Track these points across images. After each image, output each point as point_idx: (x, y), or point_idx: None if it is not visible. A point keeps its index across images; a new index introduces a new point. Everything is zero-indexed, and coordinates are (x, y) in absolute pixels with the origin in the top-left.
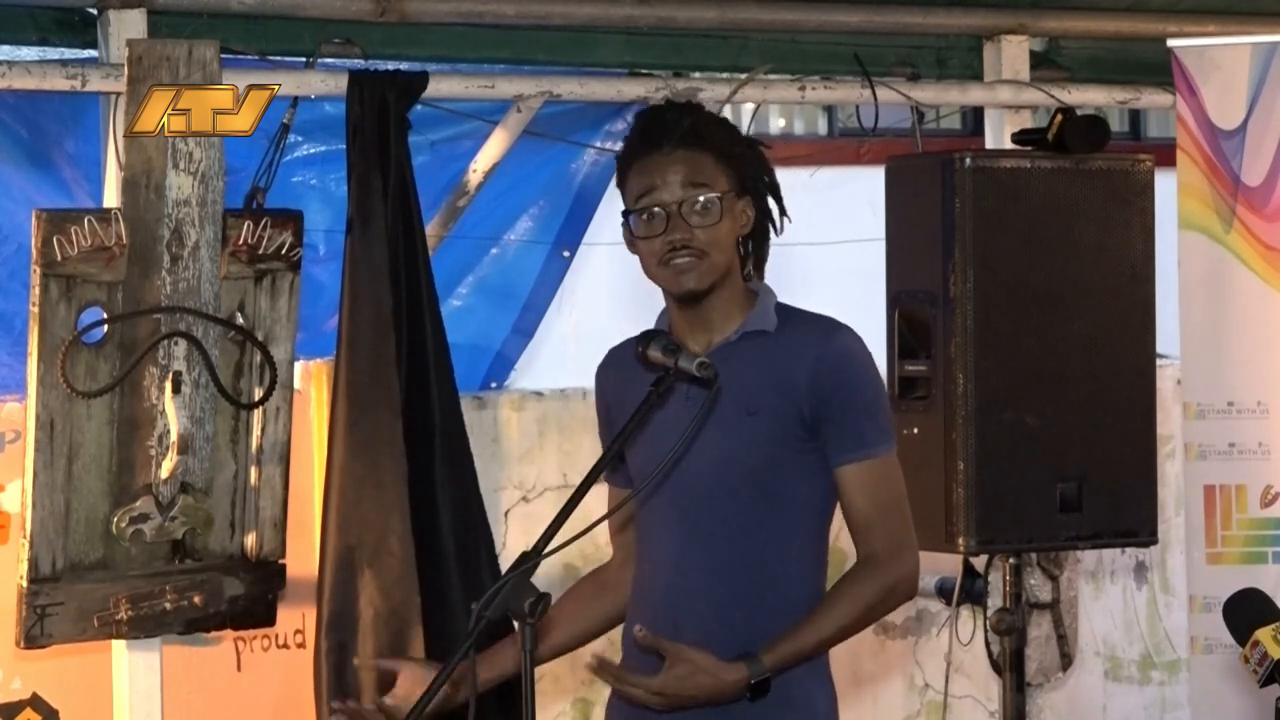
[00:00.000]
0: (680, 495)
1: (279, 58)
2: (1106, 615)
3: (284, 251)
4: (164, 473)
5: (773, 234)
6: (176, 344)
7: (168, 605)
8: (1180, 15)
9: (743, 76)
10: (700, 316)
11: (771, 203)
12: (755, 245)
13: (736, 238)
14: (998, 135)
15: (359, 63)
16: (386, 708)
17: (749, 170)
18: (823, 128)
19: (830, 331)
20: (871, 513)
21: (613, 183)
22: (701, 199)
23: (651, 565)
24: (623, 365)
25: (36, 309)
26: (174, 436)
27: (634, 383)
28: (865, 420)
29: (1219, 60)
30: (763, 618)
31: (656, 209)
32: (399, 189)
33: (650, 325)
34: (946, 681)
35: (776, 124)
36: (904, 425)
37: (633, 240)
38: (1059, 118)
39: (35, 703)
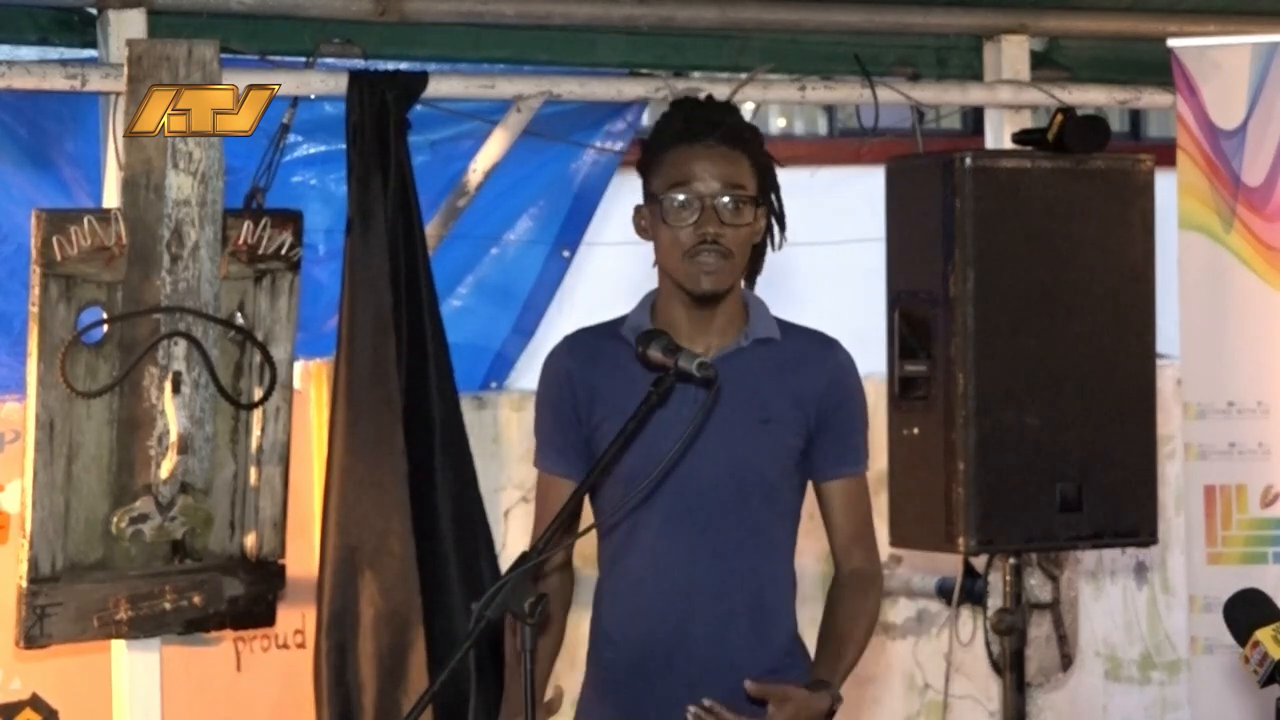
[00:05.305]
0: (689, 498)
1: (279, 58)
2: (1106, 615)
3: (284, 251)
4: (164, 473)
5: (770, 249)
6: (176, 344)
7: (167, 605)
8: (1180, 15)
9: (743, 76)
10: (706, 319)
11: (775, 218)
12: (757, 255)
13: (751, 244)
14: (998, 135)
15: (359, 63)
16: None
17: (768, 181)
18: (823, 128)
19: (832, 344)
20: (860, 527)
21: (613, 183)
22: (737, 199)
23: (650, 565)
24: (594, 356)
25: (36, 309)
26: (174, 436)
27: (610, 375)
28: (859, 436)
29: (1219, 60)
30: (763, 621)
31: (692, 198)
32: (399, 189)
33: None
34: (946, 681)
35: (776, 124)
36: (904, 425)
37: (651, 227)
38: (1059, 118)
39: (35, 703)
